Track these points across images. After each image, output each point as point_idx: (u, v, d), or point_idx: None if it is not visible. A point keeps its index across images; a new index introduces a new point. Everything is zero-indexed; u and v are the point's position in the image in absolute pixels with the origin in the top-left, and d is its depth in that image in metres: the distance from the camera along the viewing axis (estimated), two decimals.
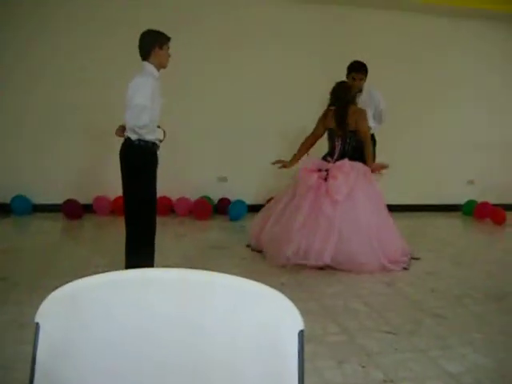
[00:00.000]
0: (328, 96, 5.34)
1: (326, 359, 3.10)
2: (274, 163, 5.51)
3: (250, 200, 7.54)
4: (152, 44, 4.02)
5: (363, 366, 3.03)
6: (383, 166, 5.12)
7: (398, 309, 4.04)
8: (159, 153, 4.22)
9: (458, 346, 3.37)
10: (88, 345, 1.17)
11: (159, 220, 4.38)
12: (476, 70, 8.43)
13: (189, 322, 1.17)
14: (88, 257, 5.08)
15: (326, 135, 5.52)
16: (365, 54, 5.87)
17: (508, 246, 6.66)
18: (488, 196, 8.29)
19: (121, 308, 1.19)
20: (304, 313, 1.08)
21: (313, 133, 5.53)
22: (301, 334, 1.06)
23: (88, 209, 7.14)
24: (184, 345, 1.18)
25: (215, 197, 7.63)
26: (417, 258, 5.39)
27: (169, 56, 4.14)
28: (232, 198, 7.55)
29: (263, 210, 5.75)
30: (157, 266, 4.02)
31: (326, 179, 5.10)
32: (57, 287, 1.17)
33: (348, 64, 5.65)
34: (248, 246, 5.69)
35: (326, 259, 4.83)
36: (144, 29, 4.13)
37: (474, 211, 8.18)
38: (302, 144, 5.58)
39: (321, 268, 4.94)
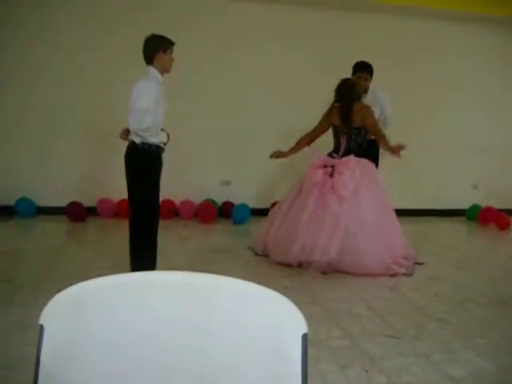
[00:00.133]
0: (332, 94, 5.35)
1: (329, 363, 3.10)
2: (271, 156, 5.50)
3: (253, 203, 7.54)
4: (156, 49, 4.06)
5: (366, 371, 3.03)
6: (401, 147, 5.06)
7: (401, 313, 4.03)
8: (164, 156, 4.25)
9: (461, 351, 3.37)
10: (92, 347, 1.18)
11: (163, 223, 4.39)
12: (476, 73, 8.42)
13: (192, 325, 1.17)
14: (92, 259, 5.09)
15: (331, 132, 5.52)
16: (364, 57, 5.85)
17: None
18: (492, 201, 8.26)
19: (125, 311, 1.19)
20: (307, 317, 1.08)
21: (316, 127, 5.52)
22: (304, 337, 1.06)
23: (92, 211, 7.15)
24: (188, 348, 1.18)
25: (219, 200, 7.63)
26: (421, 263, 5.38)
27: (172, 60, 4.17)
28: (235, 201, 7.55)
29: (269, 214, 5.74)
30: (160, 270, 4.03)
31: (331, 175, 5.11)
32: (61, 289, 1.17)
33: (351, 64, 5.67)
34: (249, 248, 5.69)
35: (332, 254, 4.83)
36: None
37: (478, 216, 8.16)
38: (303, 137, 5.58)
39: (324, 273, 4.94)
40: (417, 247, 5.60)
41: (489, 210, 8.02)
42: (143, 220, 4.19)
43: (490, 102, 8.54)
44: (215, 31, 7.33)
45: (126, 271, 1.37)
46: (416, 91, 8.03)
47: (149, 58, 4.10)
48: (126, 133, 4.20)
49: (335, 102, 5.34)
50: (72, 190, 7.16)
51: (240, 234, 6.82)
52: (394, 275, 4.92)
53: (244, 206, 7.42)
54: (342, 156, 5.23)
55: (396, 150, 5.03)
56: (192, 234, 6.58)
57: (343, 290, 4.56)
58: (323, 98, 5.40)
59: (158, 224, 4.33)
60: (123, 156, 4.21)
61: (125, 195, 4.27)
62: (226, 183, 7.76)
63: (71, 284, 1.18)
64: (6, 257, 5.13)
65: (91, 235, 6.47)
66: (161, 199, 4.36)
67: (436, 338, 3.57)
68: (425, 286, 4.79)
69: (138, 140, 4.03)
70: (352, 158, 5.16)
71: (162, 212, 4.51)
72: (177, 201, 7.39)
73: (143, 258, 4.14)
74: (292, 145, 5.60)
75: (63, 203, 6.98)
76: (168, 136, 4.23)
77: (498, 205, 8.15)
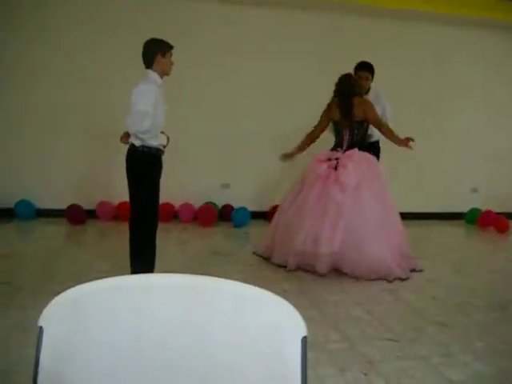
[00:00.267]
0: (330, 96, 5.37)
1: (328, 367, 3.10)
2: (282, 159, 5.51)
3: (252, 207, 7.54)
4: (155, 52, 4.08)
5: (365, 374, 3.03)
6: (409, 139, 5.06)
7: (399, 316, 4.03)
8: (163, 158, 4.27)
9: (460, 354, 3.37)
10: (91, 349, 1.18)
11: (162, 226, 4.39)
12: (481, 79, 8.44)
13: (192, 328, 1.18)
14: (91, 262, 5.09)
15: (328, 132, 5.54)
16: (375, 62, 5.86)
17: (511, 254, 6.65)
18: (491, 204, 8.27)
19: (124, 313, 1.20)
20: (306, 320, 1.09)
21: (316, 126, 5.50)
22: (304, 340, 1.07)
23: (91, 214, 7.15)
24: (187, 350, 1.18)
25: (218, 203, 7.64)
26: (420, 271, 5.34)
27: (172, 64, 4.19)
28: (235, 204, 7.55)
29: (273, 218, 5.71)
30: (159, 272, 4.04)
31: (335, 168, 5.12)
32: (60, 292, 1.18)
33: (350, 69, 5.67)
34: (254, 252, 5.69)
35: (336, 245, 4.83)
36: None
37: (477, 219, 8.17)
38: (307, 136, 5.56)
39: (321, 275, 4.94)
40: (416, 250, 5.58)
41: (488, 213, 8.02)
42: (143, 222, 4.21)
43: (496, 107, 8.58)
44: (212, 35, 7.35)
45: (125, 274, 1.37)
46: (418, 95, 8.07)
47: (148, 62, 4.12)
48: (127, 136, 4.23)
49: (334, 97, 5.34)
50: (72, 193, 7.16)
51: (240, 237, 6.82)
52: (391, 281, 4.90)
53: (244, 209, 7.42)
54: (346, 150, 5.23)
55: (404, 142, 5.04)
56: (191, 237, 6.58)
57: (342, 293, 4.56)
58: (320, 102, 5.40)
59: (157, 226, 4.35)
60: (123, 158, 4.22)
61: (124, 198, 4.29)
62: (226, 186, 7.76)
63: (70, 286, 1.19)
64: (5, 259, 5.13)
65: (91, 238, 6.47)
66: (160, 202, 4.37)
67: (434, 341, 3.57)
68: (423, 289, 4.79)
69: (137, 143, 4.05)
70: (356, 151, 5.18)
71: (161, 215, 4.51)
72: (176, 204, 7.40)
73: (142, 260, 4.16)
74: (291, 149, 5.58)
75: (63, 206, 6.98)
76: (168, 138, 4.25)
77: (497, 208, 8.16)
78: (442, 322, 3.92)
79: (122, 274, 1.28)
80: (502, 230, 7.65)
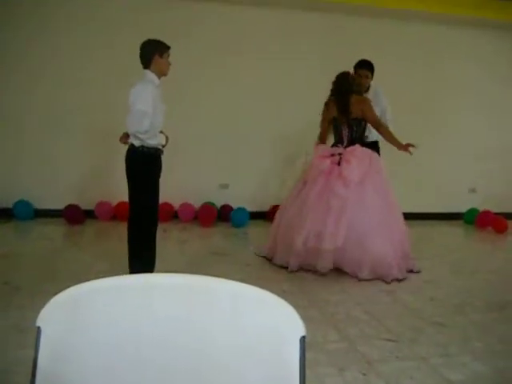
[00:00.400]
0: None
1: (326, 366, 3.10)
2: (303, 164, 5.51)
3: (251, 207, 7.54)
4: (152, 52, 4.10)
5: (364, 374, 3.02)
6: (411, 145, 5.05)
7: (398, 317, 4.03)
8: (162, 158, 4.28)
9: (459, 355, 3.37)
10: (89, 349, 1.18)
11: (161, 226, 4.39)
12: (478, 78, 8.44)
13: (191, 328, 1.18)
14: (90, 262, 5.08)
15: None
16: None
17: (509, 254, 6.65)
18: (490, 204, 8.27)
19: (123, 313, 1.19)
20: (305, 320, 1.08)
21: (321, 128, 5.47)
22: (302, 340, 1.06)
23: (90, 214, 7.15)
24: (186, 350, 1.18)
25: (217, 203, 7.63)
26: (417, 272, 5.33)
27: (169, 64, 4.21)
28: (234, 204, 7.55)
29: (275, 219, 5.67)
30: (159, 272, 4.04)
31: (338, 163, 5.11)
32: (58, 292, 1.17)
33: (349, 69, 5.67)
34: (255, 253, 5.68)
35: (340, 240, 4.81)
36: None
37: (475, 220, 8.17)
38: (319, 140, 5.49)
39: (322, 274, 4.94)
40: (414, 250, 5.57)
41: (486, 213, 8.02)
42: (142, 222, 4.21)
43: (490, 106, 8.58)
44: (212, 35, 7.36)
45: (124, 274, 1.37)
46: (415, 95, 8.06)
47: (146, 62, 4.14)
48: (126, 136, 4.25)
49: (331, 95, 5.33)
50: (70, 193, 7.17)
51: (239, 237, 6.83)
52: (389, 282, 4.89)
53: (243, 209, 7.41)
54: (347, 146, 5.22)
55: (404, 147, 5.04)
56: (190, 236, 6.58)
57: (341, 293, 4.55)
58: (321, 102, 5.39)
59: (156, 226, 4.36)
60: (122, 159, 4.24)
61: (123, 198, 4.30)
62: (224, 187, 7.76)
63: (69, 287, 1.18)
64: (3, 259, 5.12)
65: (89, 238, 6.46)
66: (159, 202, 4.38)
67: (433, 341, 3.57)
68: (421, 289, 4.78)
69: (137, 143, 4.07)
70: (358, 147, 5.17)
71: (160, 215, 4.52)
72: (176, 204, 7.40)
73: (141, 260, 4.17)
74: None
75: (61, 206, 6.98)
76: (167, 138, 4.27)
77: (495, 208, 8.16)
78: (440, 323, 3.92)
79: (120, 275, 1.28)
80: (500, 230, 7.66)
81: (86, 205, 7.11)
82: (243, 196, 7.64)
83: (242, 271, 5.03)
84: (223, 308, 1.17)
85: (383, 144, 5.71)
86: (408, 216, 5.34)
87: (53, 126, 7.11)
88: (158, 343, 1.19)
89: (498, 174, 8.65)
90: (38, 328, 1.13)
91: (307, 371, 1.05)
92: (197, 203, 7.47)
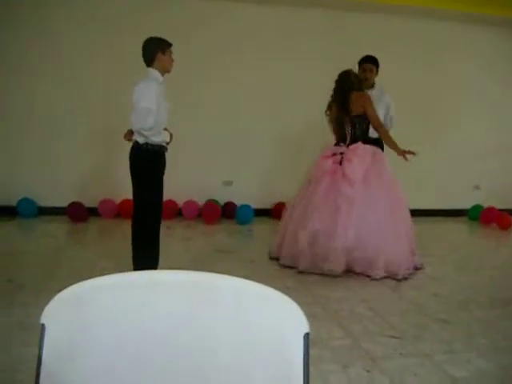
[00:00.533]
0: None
1: (330, 363, 3.10)
2: None
3: (255, 204, 7.53)
4: (155, 50, 4.12)
5: (368, 371, 3.02)
6: (410, 152, 5.02)
7: (402, 314, 4.02)
8: (166, 155, 4.29)
9: (463, 351, 3.36)
10: (93, 346, 1.18)
11: (165, 223, 4.39)
12: (478, 77, 8.42)
13: (195, 324, 1.17)
14: (94, 260, 5.08)
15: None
16: None
17: None
18: (494, 201, 8.25)
19: (126, 310, 1.19)
20: (309, 317, 1.08)
21: (332, 131, 5.45)
22: (306, 336, 1.06)
23: (94, 212, 7.16)
24: (190, 347, 1.18)
25: (221, 201, 7.63)
26: (420, 268, 5.31)
27: (172, 61, 4.22)
28: (237, 201, 7.55)
29: (282, 219, 5.63)
30: (162, 269, 4.03)
31: (340, 163, 5.10)
32: (62, 289, 1.17)
33: (352, 66, 5.66)
34: (270, 258, 5.50)
35: (349, 241, 4.80)
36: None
37: (480, 216, 8.16)
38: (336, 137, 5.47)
39: (336, 276, 4.88)
40: (418, 247, 5.55)
41: (491, 210, 8.01)
42: (146, 219, 4.22)
43: (490, 105, 8.55)
44: (214, 33, 7.35)
45: (128, 271, 1.36)
46: (416, 94, 8.02)
47: (148, 60, 4.15)
48: (130, 133, 4.27)
49: (332, 96, 5.31)
50: (74, 191, 7.18)
51: (243, 234, 6.83)
52: (399, 280, 4.87)
53: (247, 206, 7.42)
54: (350, 144, 5.20)
55: (401, 152, 5.02)
56: (195, 234, 6.58)
57: (345, 290, 4.55)
58: (323, 99, 5.37)
59: (160, 223, 4.36)
60: (125, 156, 4.25)
61: (127, 195, 4.30)
62: (228, 184, 7.76)
63: (73, 284, 1.18)
64: (7, 257, 5.13)
65: (93, 236, 6.47)
66: (164, 199, 4.39)
67: (437, 338, 3.56)
68: (425, 286, 4.78)
69: (141, 140, 4.08)
70: (360, 144, 5.14)
71: (164, 212, 4.52)
72: (180, 201, 7.40)
73: (145, 257, 4.17)
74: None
75: (65, 203, 6.99)
76: (171, 135, 4.28)
77: (499, 205, 8.16)
78: (444, 319, 3.91)
79: (124, 272, 1.28)
80: (504, 226, 7.65)
81: (89, 202, 7.12)
82: (247, 193, 7.63)
83: (246, 268, 5.03)
84: (227, 305, 1.16)
85: None
86: (412, 213, 5.33)
87: (54, 125, 7.11)
88: (161, 340, 1.18)
89: (502, 170, 8.62)
90: (42, 325, 1.13)
91: (311, 368, 1.05)
92: (201, 200, 7.48)
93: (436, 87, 8.24)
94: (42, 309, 1.14)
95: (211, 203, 7.41)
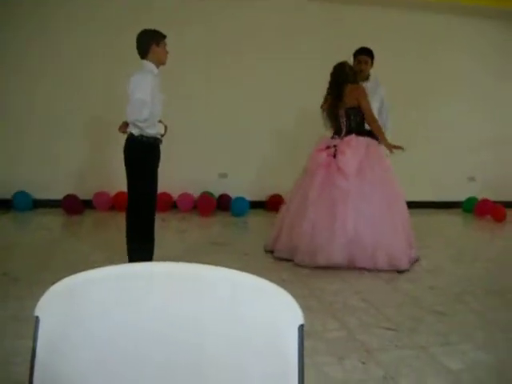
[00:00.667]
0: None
1: (326, 355, 3.10)
2: None
3: (250, 196, 7.53)
4: (149, 42, 4.10)
5: (363, 362, 3.03)
6: (396, 147, 5.05)
7: (398, 306, 4.03)
8: (161, 147, 4.28)
9: (459, 343, 3.37)
10: (86, 339, 1.17)
11: (160, 216, 4.38)
12: (472, 69, 8.45)
13: (189, 316, 1.17)
14: (88, 252, 5.08)
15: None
16: None
17: (508, 243, 6.66)
18: (488, 193, 8.28)
19: (119, 303, 1.19)
20: (304, 309, 1.08)
21: (324, 120, 5.44)
22: (301, 328, 1.06)
23: (88, 204, 7.15)
24: (184, 339, 1.17)
25: (216, 193, 7.63)
26: (416, 261, 5.29)
27: (167, 53, 4.20)
28: (232, 194, 7.54)
29: (279, 213, 5.61)
30: (157, 261, 4.03)
31: (334, 156, 5.08)
32: (56, 282, 1.16)
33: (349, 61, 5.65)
34: (266, 251, 5.48)
35: (350, 234, 4.80)
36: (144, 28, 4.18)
37: (474, 208, 8.18)
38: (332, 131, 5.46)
39: (338, 267, 4.88)
40: (414, 239, 5.58)
41: (485, 202, 8.04)
42: (141, 211, 4.21)
43: (486, 95, 8.57)
44: (215, 29, 7.37)
45: (122, 263, 1.36)
46: (410, 86, 8.01)
47: (143, 52, 4.14)
48: (125, 126, 4.25)
49: (328, 89, 5.31)
50: (69, 183, 7.18)
51: (239, 226, 6.85)
52: (401, 272, 4.87)
53: (242, 198, 7.41)
54: (344, 136, 5.20)
55: (390, 147, 5.05)
56: (190, 226, 6.58)
57: (340, 282, 4.55)
58: (320, 92, 5.35)
59: (154, 215, 4.34)
60: (119, 149, 4.24)
61: (121, 188, 4.29)
62: (223, 176, 7.76)
63: (67, 276, 1.18)
64: (2, 250, 5.13)
65: (87, 228, 6.48)
66: (158, 192, 4.38)
67: (433, 330, 3.57)
68: (421, 278, 4.79)
69: (136, 132, 4.06)
70: (353, 136, 5.13)
71: (159, 204, 4.51)
72: (174, 194, 7.39)
73: (140, 249, 4.15)
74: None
75: (60, 196, 6.98)
76: (165, 127, 4.27)
77: (494, 197, 8.18)
78: (440, 311, 3.92)
79: (119, 264, 1.27)
80: (499, 218, 7.67)
81: (84, 195, 7.12)
82: (242, 185, 7.63)
83: (240, 260, 5.02)
84: (221, 296, 1.16)
85: None
86: (407, 205, 5.33)
87: (54, 124, 7.13)
88: (155, 333, 1.18)
89: (497, 162, 8.67)
90: (37, 318, 1.12)
91: (306, 360, 1.05)
92: (196, 193, 7.48)
93: (430, 79, 8.25)
94: (37, 301, 1.14)
95: (206, 195, 7.41)
